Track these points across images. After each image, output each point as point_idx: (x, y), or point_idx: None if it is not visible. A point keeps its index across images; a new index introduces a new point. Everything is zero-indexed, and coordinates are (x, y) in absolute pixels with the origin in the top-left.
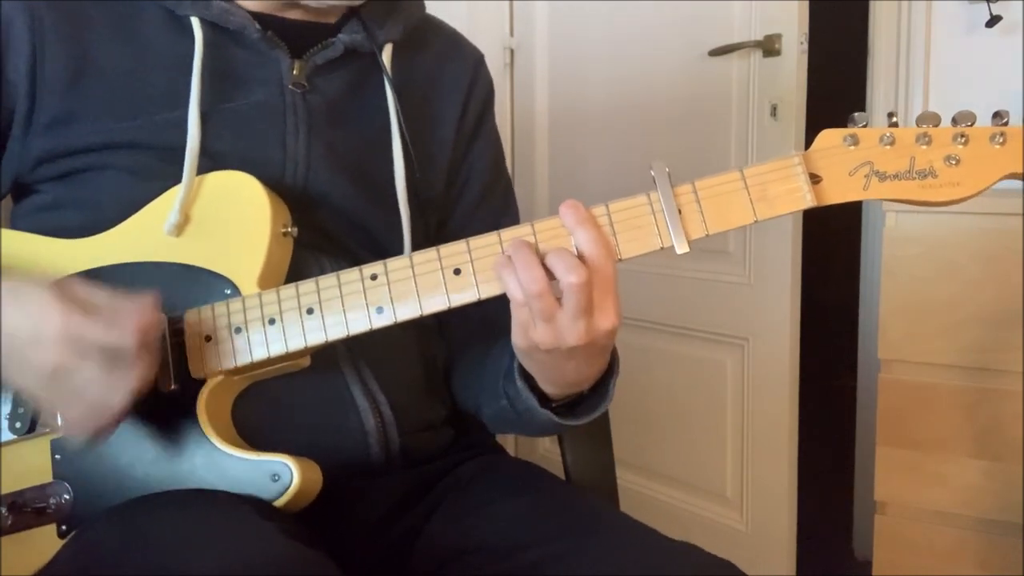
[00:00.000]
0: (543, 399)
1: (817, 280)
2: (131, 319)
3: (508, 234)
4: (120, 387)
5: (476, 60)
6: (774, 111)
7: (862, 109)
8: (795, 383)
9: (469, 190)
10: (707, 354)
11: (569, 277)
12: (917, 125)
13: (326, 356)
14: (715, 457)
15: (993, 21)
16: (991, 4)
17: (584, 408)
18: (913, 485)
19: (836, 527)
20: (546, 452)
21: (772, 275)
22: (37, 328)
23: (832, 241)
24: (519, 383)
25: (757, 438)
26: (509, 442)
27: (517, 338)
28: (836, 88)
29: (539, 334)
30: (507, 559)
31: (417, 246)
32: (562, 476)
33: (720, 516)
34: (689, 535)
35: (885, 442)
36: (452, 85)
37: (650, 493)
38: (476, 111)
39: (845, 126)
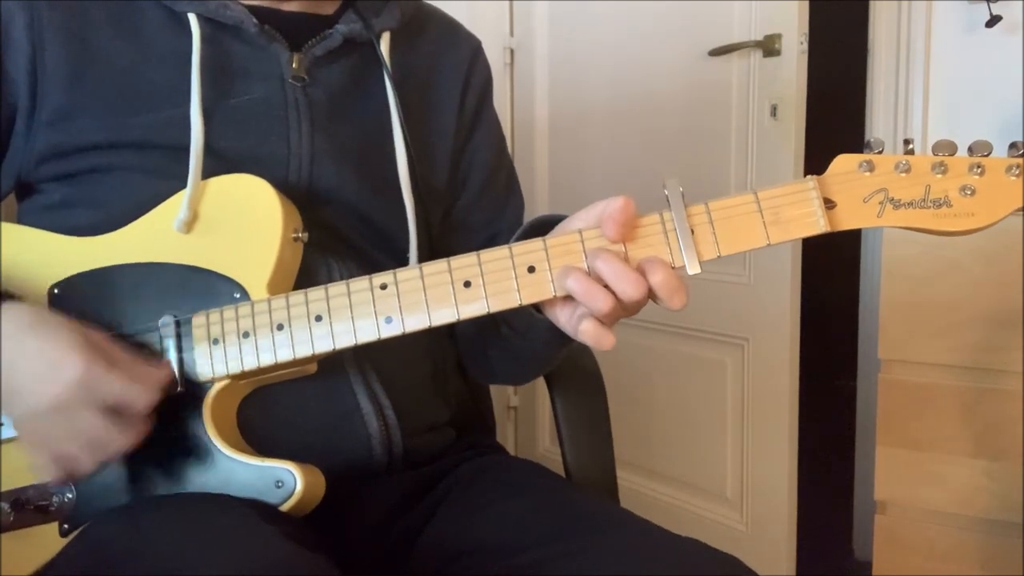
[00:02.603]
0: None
1: (817, 280)
2: (149, 382)
3: (519, 248)
4: (116, 442)
5: (474, 48)
6: (774, 111)
7: (862, 109)
8: (795, 383)
9: (472, 179)
10: (707, 354)
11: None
12: (933, 153)
13: (332, 359)
14: (715, 457)
15: (993, 21)
16: (991, 4)
17: None
18: (913, 485)
19: (836, 527)
20: (546, 452)
21: (772, 275)
22: (57, 364)
23: (832, 241)
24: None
25: (757, 438)
26: (509, 442)
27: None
28: (836, 88)
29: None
30: (508, 559)
31: (422, 237)
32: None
33: (720, 516)
34: (689, 535)
35: (885, 442)
36: (450, 74)
37: (650, 493)
38: (475, 99)
39: (845, 126)
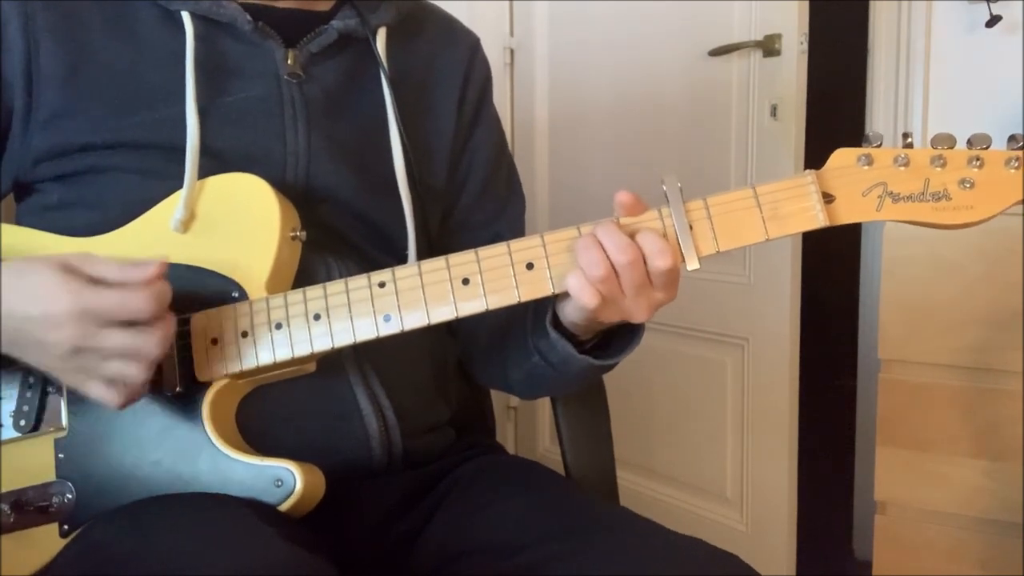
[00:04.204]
0: (576, 346)
1: (817, 280)
2: (141, 284)
3: (517, 245)
4: (146, 350)
5: (472, 45)
6: (774, 111)
7: (862, 109)
8: (795, 383)
9: (472, 178)
10: (707, 354)
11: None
12: (932, 147)
13: (331, 359)
14: (715, 457)
15: (993, 21)
16: (991, 4)
17: (617, 344)
18: (913, 485)
19: (836, 527)
20: (546, 452)
21: (772, 275)
22: (47, 308)
23: (832, 241)
24: (553, 334)
25: (757, 438)
26: (509, 442)
27: (574, 316)
28: (836, 88)
29: (607, 313)
30: (508, 559)
31: (421, 236)
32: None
33: (720, 516)
34: (689, 535)
35: (885, 442)
36: (449, 71)
37: (650, 493)
38: (474, 98)
39: (845, 126)
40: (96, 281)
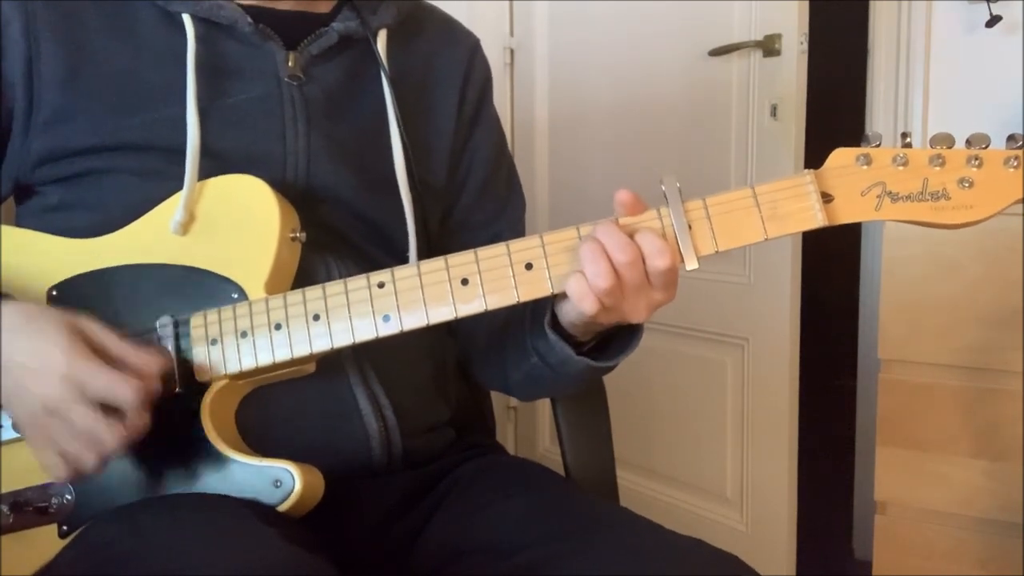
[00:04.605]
0: (575, 347)
1: (817, 280)
2: (139, 373)
3: (517, 246)
4: (111, 437)
5: (472, 46)
6: (774, 111)
7: (862, 109)
8: (795, 383)
9: (472, 178)
10: (707, 354)
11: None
12: (931, 146)
13: (331, 359)
14: (715, 457)
15: (993, 21)
16: (991, 4)
17: (616, 345)
18: (913, 485)
19: (836, 527)
20: (546, 452)
21: (772, 275)
22: (43, 362)
23: (832, 241)
24: (551, 336)
25: (757, 438)
26: (509, 442)
27: (573, 317)
28: (836, 88)
29: (606, 315)
30: (508, 559)
31: (421, 237)
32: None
33: (720, 516)
34: (689, 535)
35: (885, 442)
36: (448, 73)
37: (650, 493)
38: (474, 99)
39: (845, 126)
40: (96, 351)
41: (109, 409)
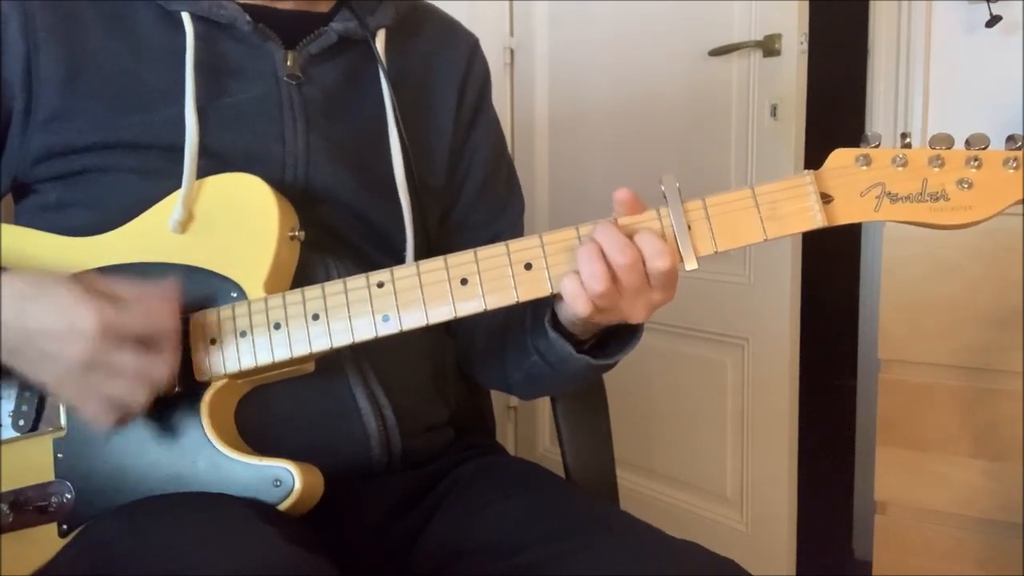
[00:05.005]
0: (575, 345)
1: (817, 280)
2: (164, 304)
3: (516, 246)
4: (157, 373)
5: (471, 46)
6: (774, 111)
7: (862, 109)
8: (795, 383)
9: (471, 179)
10: (707, 354)
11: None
12: (930, 147)
13: (330, 359)
14: (715, 457)
15: (993, 21)
16: (991, 4)
17: (616, 343)
18: (913, 485)
19: (836, 527)
20: (546, 452)
21: (772, 275)
22: (71, 322)
23: (832, 241)
24: (551, 334)
25: (757, 438)
26: (509, 442)
27: (572, 316)
28: (836, 88)
29: (605, 316)
30: (507, 559)
31: (419, 237)
32: (562, 476)
33: (720, 516)
34: (689, 535)
35: (885, 442)
36: (448, 73)
37: (650, 493)
38: (473, 99)
39: (845, 126)
40: (115, 299)
41: (150, 350)
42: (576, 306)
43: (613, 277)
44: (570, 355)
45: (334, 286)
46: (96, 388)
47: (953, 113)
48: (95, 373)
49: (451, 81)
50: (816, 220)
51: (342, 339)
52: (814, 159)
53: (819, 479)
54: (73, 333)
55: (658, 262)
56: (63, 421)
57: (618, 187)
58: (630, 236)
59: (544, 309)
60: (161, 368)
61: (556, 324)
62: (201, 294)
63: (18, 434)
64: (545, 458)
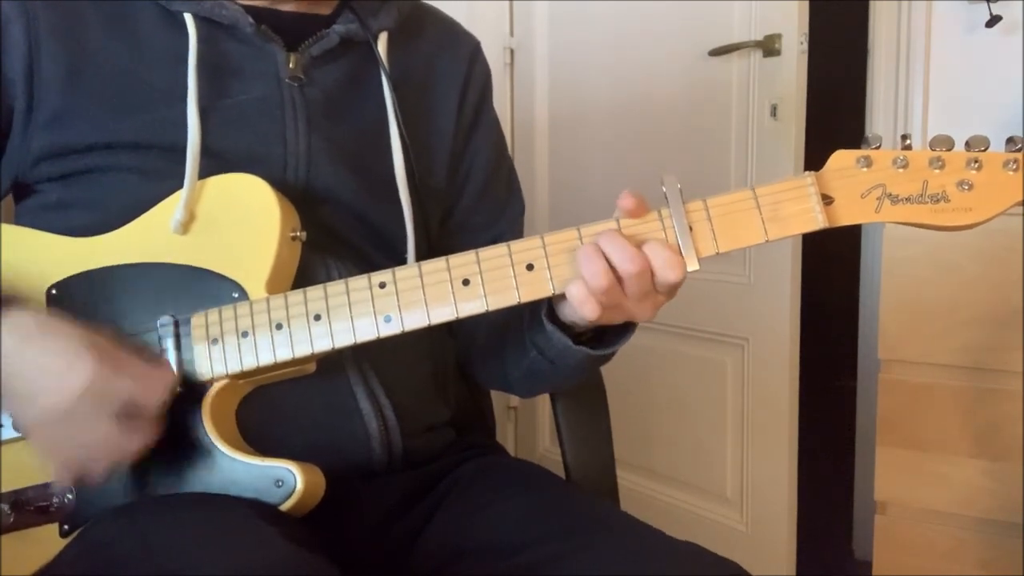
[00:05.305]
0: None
1: (817, 280)
2: (158, 380)
3: (518, 246)
4: (130, 445)
5: (472, 48)
6: (774, 111)
7: (862, 109)
8: (795, 383)
9: (472, 181)
10: (707, 354)
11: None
12: (931, 148)
13: (331, 359)
14: (715, 457)
15: (993, 21)
16: (991, 4)
17: (612, 334)
18: (913, 485)
19: (836, 527)
20: (546, 452)
21: (772, 275)
22: (65, 373)
23: (832, 242)
24: (549, 327)
25: (757, 438)
26: (509, 442)
27: (574, 318)
28: (836, 88)
29: (611, 317)
30: (508, 559)
31: (420, 239)
32: (562, 476)
33: (720, 516)
34: (689, 535)
35: (885, 442)
36: (449, 74)
37: (650, 493)
38: (474, 100)
39: (845, 126)
40: (114, 362)
41: (130, 420)
42: (584, 310)
43: (619, 281)
44: (568, 347)
45: (336, 286)
46: (65, 442)
47: (953, 113)
48: (70, 427)
49: (452, 83)
50: (817, 221)
51: (344, 339)
52: (814, 159)
53: (819, 479)
54: (62, 381)
55: (669, 274)
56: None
57: (618, 187)
58: (638, 245)
59: (541, 305)
60: (134, 444)
61: (553, 318)
62: (202, 294)
63: (19, 434)
64: (545, 458)
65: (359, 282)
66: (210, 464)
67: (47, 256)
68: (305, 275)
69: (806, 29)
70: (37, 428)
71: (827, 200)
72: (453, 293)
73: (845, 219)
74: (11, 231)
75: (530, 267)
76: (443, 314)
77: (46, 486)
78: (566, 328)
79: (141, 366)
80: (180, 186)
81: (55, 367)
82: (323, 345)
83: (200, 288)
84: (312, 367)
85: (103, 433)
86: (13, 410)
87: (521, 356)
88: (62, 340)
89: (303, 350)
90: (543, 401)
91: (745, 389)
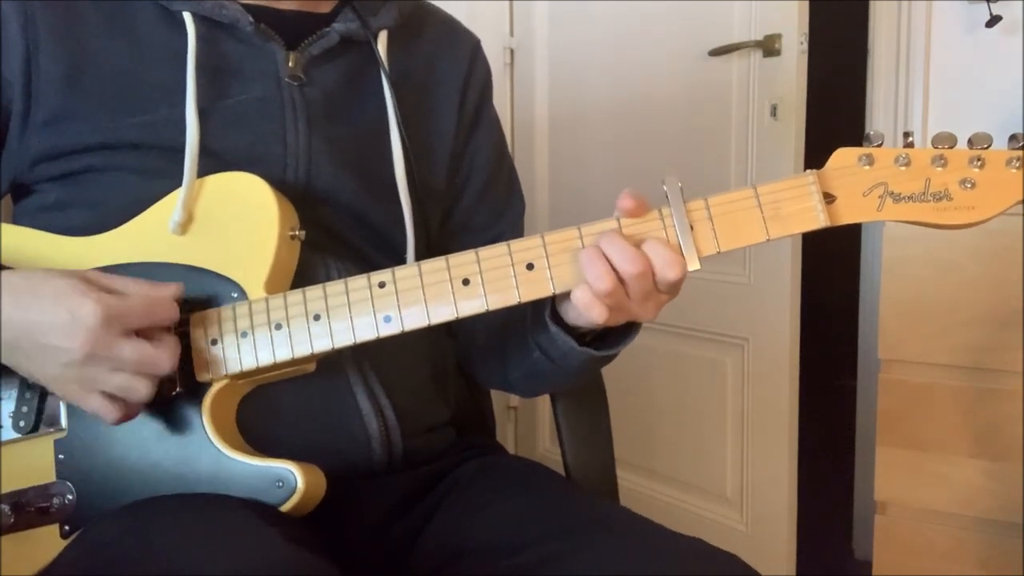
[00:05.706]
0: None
1: (817, 280)
2: (163, 296)
3: (518, 246)
4: (160, 364)
5: (473, 47)
6: (774, 111)
7: (862, 109)
8: (795, 383)
9: (472, 180)
10: (707, 354)
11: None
12: (933, 146)
13: (331, 359)
14: (715, 457)
15: (993, 21)
16: (991, 4)
17: (615, 335)
18: (913, 485)
19: (836, 527)
20: (546, 452)
21: (772, 275)
22: (72, 313)
23: (832, 241)
24: (553, 328)
25: (757, 438)
26: (509, 442)
27: (580, 322)
28: (836, 88)
29: (615, 318)
30: (508, 559)
31: (420, 239)
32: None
33: (720, 516)
34: (689, 535)
35: (885, 442)
36: (449, 74)
37: (650, 493)
38: (475, 100)
39: (845, 126)
40: (115, 291)
41: (150, 343)
42: (592, 314)
43: (622, 282)
44: (572, 349)
45: (335, 286)
46: (98, 381)
47: (953, 113)
48: (97, 366)
49: (453, 82)
50: (819, 220)
51: (344, 339)
52: (814, 159)
53: (819, 479)
54: (74, 324)
55: (668, 272)
56: (64, 422)
57: (618, 187)
58: (637, 245)
59: (544, 305)
60: (163, 359)
61: (556, 319)
62: (202, 294)
63: (19, 435)
64: (545, 458)
65: (358, 282)
66: (210, 464)
67: (45, 256)
68: (305, 275)
69: (806, 29)
70: (65, 379)
71: (829, 198)
72: (453, 293)
73: (847, 217)
74: (10, 231)
75: (530, 267)
76: (443, 314)
77: (46, 487)
78: (569, 329)
79: (141, 284)
80: (178, 185)
81: (62, 313)
82: (322, 345)
83: (199, 288)
84: (312, 367)
85: (131, 360)
86: (32, 369)
87: (523, 356)
88: (59, 286)
89: (302, 350)
90: (543, 401)
91: (745, 389)
